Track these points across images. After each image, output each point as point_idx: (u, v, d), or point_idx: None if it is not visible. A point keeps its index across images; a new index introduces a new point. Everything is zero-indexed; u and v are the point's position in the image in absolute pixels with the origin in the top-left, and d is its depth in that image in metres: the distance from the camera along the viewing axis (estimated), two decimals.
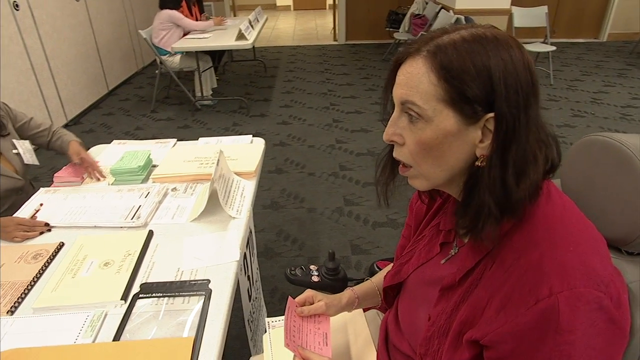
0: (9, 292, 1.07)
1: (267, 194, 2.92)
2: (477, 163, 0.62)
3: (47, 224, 1.30)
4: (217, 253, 1.16)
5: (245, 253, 1.29)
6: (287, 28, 8.66)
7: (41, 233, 1.28)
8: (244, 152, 1.67)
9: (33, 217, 1.33)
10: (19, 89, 3.52)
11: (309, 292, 0.97)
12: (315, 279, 1.38)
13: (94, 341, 0.92)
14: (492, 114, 0.58)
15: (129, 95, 4.99)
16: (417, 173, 0.67)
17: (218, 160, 1.33)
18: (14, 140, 1.55)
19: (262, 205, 2.79)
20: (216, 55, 4.98)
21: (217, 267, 1.11)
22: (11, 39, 3.48)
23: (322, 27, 8.53)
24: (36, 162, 1.60)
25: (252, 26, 4.45)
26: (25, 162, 1.56)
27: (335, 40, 7.29)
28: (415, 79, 0.61)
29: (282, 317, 1.08)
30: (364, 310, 1.13)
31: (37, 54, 3.76)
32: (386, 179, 0.75)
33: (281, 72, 5.65)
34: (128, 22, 5.52)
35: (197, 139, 1.85)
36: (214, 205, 1.31)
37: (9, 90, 3.38)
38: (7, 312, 1.01)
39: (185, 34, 4.39)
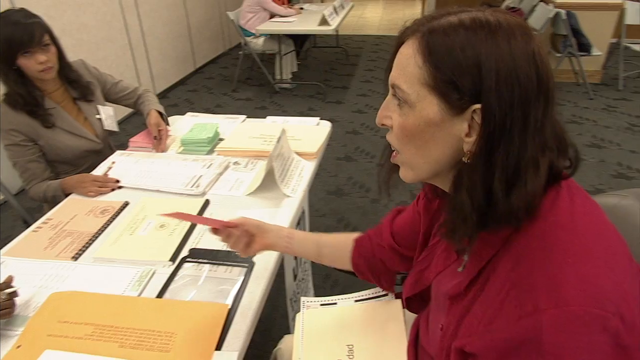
0: (76, 240, 1.16)
1: (333, 180, 2.91)
2: (463, 158, 0.56)
3: (117, 181, 1.40)
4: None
5: None
6: (373, 17, 8.54)
7: (112, 190, 1.38)
8: (309, 133, 1.67)
9: (105, 174, 1.43)
10: (116, 62, 3.81)
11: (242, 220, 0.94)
12: None
13: (139, 295, 0.97)
14: (478, 106, 0.52)
15: (214, 74, 5.22)
16: (402, 161, 0.63)
17: (279, 137, 1.34)
18: (98, 106, 1.67)
19: (327, 191, 2.79)
20: (299, 40, 5.05)
21: None
22: (114, 15, 3.78)
23: (411, 17, 8.27)
24: (115, 129, 1.71)
25: (336, 12, 4.44)
26: (105, 127, 1.68)
27: None
28: (404, 61, 0.57)
29: (318, 298, 1.07)
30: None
31: (135, 30, 4.05)
32: (388, 167, 0.69)
33: (362, 61, 5.60)
34: (219, 4, 5.76)
35: (257, 119, 1.88)
36: (271, 182, 1.32)
37: (108, 61, 3.68)
38: (72, 258, 1.10)
39: (270, 18, 4.50)
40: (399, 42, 0.59)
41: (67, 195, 1.42)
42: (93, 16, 3.51)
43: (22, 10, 1.42)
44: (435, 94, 0.54)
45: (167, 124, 1.74)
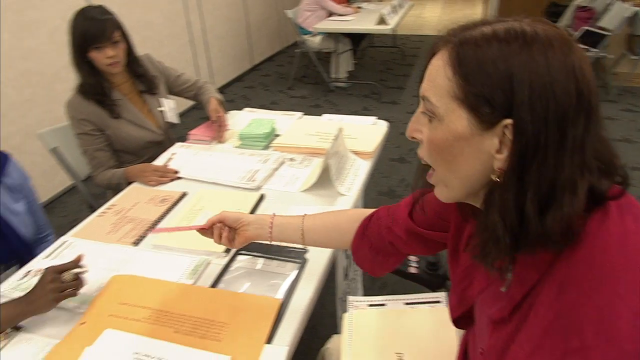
0: (137, 226, 1.21)
1: (386, 181, 2.87)
2: (492, 176, 0.52)
3: (176, 172, 1.45)
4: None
5: None
6: (431, 17, 8.37)
7: (172, 180, 1.43)
8: (365, 132, 1.65)
9: (165, 165, 1.49)
10: (178, 58, 3.96)
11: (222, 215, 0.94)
12: (412, 270, 1.31)
13: (194, 283, 1.00)
14: (510, 121, 0.49)
15: (270, 71, 5.31)
16: (437, 179, 0.60)
17: (336, 135, 1.33)
18: (161, 99, 1.74)
19: (379, 192, 2.76)
20: (356, 39, 5.02)
21: None
22: (177, 14, 3.93)
23: (471, 17, 8.05)
24: (175, 121, 1.78)
25: (395, 11, 4.38)
26: (167, 119, 1.74)
27: None
28: (434, 73, 0.55)
29: (366, 298, 1.05)
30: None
31: (197, 28, 4.19)
32: (422, 186, 0.66)
33: (420, 61, 5.49)
34: (277, 3, 5.85)
35: (314, 116, 1.88)
36: (326, 180, 1.32)
37: (170, 57, 3.83)
38: (132, 243, 1.15)
39: (328, 16, 4.51)
40: (431, 52, 0.58)
41: (129, 183, 1.48)
42: (158, 14, 3.67)
43: (99, 7, 1.52)
44: (465, 108, 0.52)
45: (226, 113, 1.78)
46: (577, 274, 0.49)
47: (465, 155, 0.54)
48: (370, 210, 0.93)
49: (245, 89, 4.70)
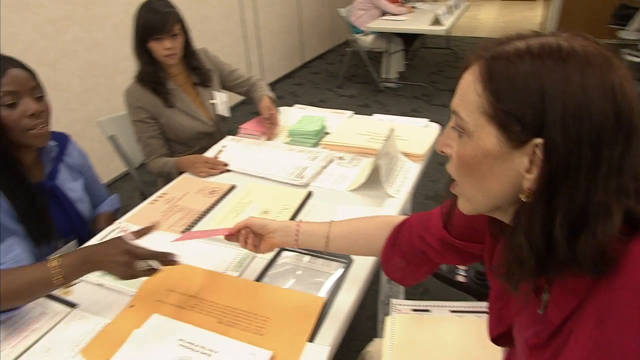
0: (186, 216, 1.24)
1: (433, 186, 2.81)
2: (521, 196, 0.50)
3: (226, 164, 1.48)
4: None
5: None
6: (488, 19, 8.11)
7: (221, 172, 1.46)
8: (416, 134, 1.61)
9: (216, 157, 1.52)
10: (231, 53, 4.05)
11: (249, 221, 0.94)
12: (460, 278, 1.27)
13: (239, 276, 1.01)
14: (541, 140, 0.47)
15: (320, 69, 5.32)
16: (460, 192, 0.59)
17: (388, 136, 1.31)
18: (214, 92, 1.78)
19: (425, 196, 2.71)
20: (408, 39, 4.95)
21: None
22: (232, 9, 4.01)
23: (529, 20, 7.74)
24: (227, 114, 1.81)
25: (450, 12, 4.28)
26: (218, 112, 1.78)
27: None
28: (465, 88, 0.54)
29: (410, 302, 1.03)
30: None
31: (250, 24, 4.26)
32: (450, 197, 0.64)
33: None
34: (330, 1, 5.86)
35: (364, 115, 1.86)
36: (375, 180, 1.30)
37: (223, 52, 3.91)
38: (181, 232, 1.17)
39: (381, 15, 4.46)
40: (464, 67, 0.56)
41: (180, 173, 1.53)
42: (214, 9, 3.76)
43: (163, 0, 1.58)
44: (494, 125, 0.51)
45: (277, 111, 1.80)
46: (618, 302, 0.46)
47: (494, 172, 0.53)
48: (398, 218, 0.92)
49: (295, 86, 4.74)
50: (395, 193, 1.28)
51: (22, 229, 1.10)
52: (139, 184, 1.84)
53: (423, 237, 0.84)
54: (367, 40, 4.40)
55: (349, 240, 0.93)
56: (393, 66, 4.52)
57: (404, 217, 0.90)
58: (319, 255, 1.05)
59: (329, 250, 0.93)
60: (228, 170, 1.48)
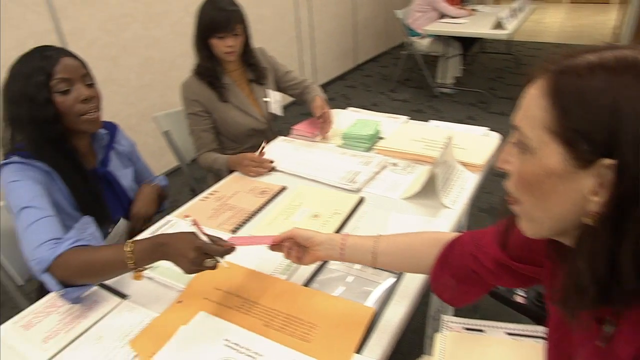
0: (236, 215, 1.26)
1: (487, 197, 2.72)
2: (585, 220, 0.47)
3: (272, 161, 1.51)
4: None
5: None
6: (554, 23, 7.79)
7: (269, 170, 1.48)
8: (475, 143, 1.57)
9: (261, 153, 1.54)
10: (284, 52, 4.11)
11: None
12: (519, 299, 1.21)
13: (287, 279, 1.01)
14: (612, 161, 0.45)
15: (373, 72, 5.30)
16: (521, 212, 0.57)
17: (446, 144, 1.28)
18: (268, 90, 1.81)
19: (479, 207, 2.63)
20: (466, 43, 4.84)
21: None
22: (287, 9, 4.07)
23: (602, 25, 7.36)
24: (279, 113, 1.84)
25: (514, 15, 4.14)
26: (271, 110, 1.81)
27: (616, 41, 6.22)
28: (529, 102, 0.53)
29: (462, 319, 0.99)
30: None
31: (305, 24, 4.31)
32: (508, 216, 0.62)
33: None
34: (386, 2, 5.82)
35: (420, 121, 1.83)
36: (430, 189, 1.27)
37: (276, 52, 3.93)
38: (231, 231, 1.19)
39: (439, 18, 4.39)
40: (527, 80, 0.55)
41: (230, 171, 1.56)
42: (270, 9, 3.83)
43: None
44: (560, 142, 0.49)
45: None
46: None
47: (558, 193, 0.50)
48: (448, 234, 0.89)
49: (347, 88, 4.75)
50: (451, 204, 1.25)
51: (79, 214, 1.16)
52: (189, 180, 1.90)
53: (476, 257, 0.81)
54: (423, 44, 4.34)
55: (396, 257, 0.91)
56: (449, 71, 4.43)
57: (454, 234, 0.88)
58: None
59: (376, 266, 0.92)
60: (279, 171, 1.49)
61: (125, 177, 1.34)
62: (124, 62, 2.80)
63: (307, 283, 1.00)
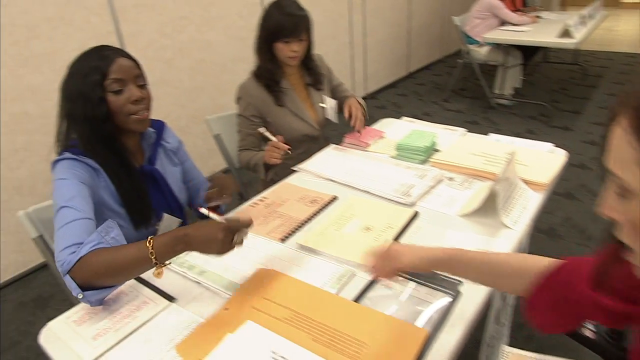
0: (286, 223, 1.27)
1: (547, 218, 2.61)
2: None
3: (289, 147, 1.53)
4: None
5: None
6: (628, 31, 7.40)
7: (286, 153, 1.52)
8: (539, 160, 1.51)
9: (278, 139, 1.56)
10: (335, 58, 4.13)
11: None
12: (587, 332, 1.14)
13: (337, 293, 1.00)
14: None
15: (425, 80, 5.23)
16: (636, 258, 0.54)
17: (509, 160, 1.24)
18: (324, 96, 1.83)
19: (537, 228, 2.52)
20: (528, 53, 4.69)
21: None
22: (340, 14, 4.09)
23: None
24: (334, 119, 1.84)
25: (583, 23, 3.97)
26: (327, 116, 1.82)
27: None
28: (614, 142, 0.50)
29: (528, 354, 0.95)
30: None
31: (358, 29, 4.32)
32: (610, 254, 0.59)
33: (605, 83, 4.90)
34: (443, 8, 5.75)
35: (479, 134, 1.78)
36: (488, 206, 1.23)
37: (328, 57, 3.97)
38: (280, 239, 1.20)
39: (500, 25, 4.28)
40: (609, 119, 0.51)
41: (265, 165, 1.59)
42: (323, 13, 3.86)
43: (295, 2, 1.66)
44: None
45: (365, 117, 1.81)
46: None
47: None
48: (541, 259, 0.84)
49: (398, 97, 4.71)
50: (512, 224, 1.20)
51: (124, 211, 1.20)
52: (237, 184, 1.93)
53: (573, 286, 0.77)
54: (481, 52, 4.24)
55: (491, 270, 0.88)
56: (508, 81, 4.30)
57: (557, 261, 0.84)
58: (424, 283, 1.01)
59: (468, 278, 0.90)
60: (330, 180, 1.49)
61: (172, 175, 1.38)
62: (178, 64, 2.90)
63: (358, 299, 0.99)
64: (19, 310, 2.22)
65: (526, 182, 1.37)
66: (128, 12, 2.57)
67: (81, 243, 1.00)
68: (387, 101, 4.55)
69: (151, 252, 0.94)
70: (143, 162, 1.30)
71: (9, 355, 1.98)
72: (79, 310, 1.03)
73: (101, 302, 1.02)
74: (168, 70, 2.85)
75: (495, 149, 1.56)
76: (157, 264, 0.95)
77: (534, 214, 1.27)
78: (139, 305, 1.03)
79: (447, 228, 1.21)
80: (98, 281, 0.97)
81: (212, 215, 0.97)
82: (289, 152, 1.54)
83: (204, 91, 3.10)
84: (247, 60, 2.88)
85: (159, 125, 1.38)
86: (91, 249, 0.98)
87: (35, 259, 2.46)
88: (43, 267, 2.49)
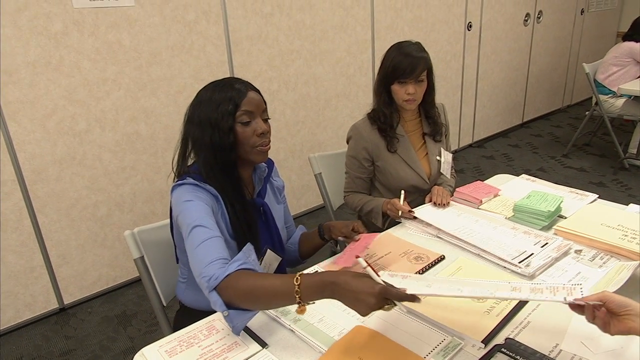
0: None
1: None
2: None
3: (411, 211, 1.57)
4: (610, 355, 0.99)
5: None
6: None
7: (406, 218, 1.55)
8: None
9: (404, 202, 1.59)
10: (445, 100, 4.08)
11: None
12: None
13: None
14: None
15: (543, 132, 5.01)
16: None
17: None
18: (442, 149, 1.82)
19: None
20: None
21: None
22: (454, 55, 4.09)
23: None
24: (448, 175, 1.83)
25: None
26: (442, 170, 1.81)
27: None
28: None
29: None
30: None
31: (471, 72, 4.28)
32: None
33: None
34: (570, 54, 5.52)
35: (615, 203, 1.66)
36: (631, 290, 1.12)
37: (437, 99, 4.00)
38: None
39: None
40: None
41: (384, 217, 1.61)
42: (437, 53, 3.89)
43: (417, 44, 1.72)
44: None
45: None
46: None
47: None
48: None
49: (509, 147, 4.54)
50: None
51: (235, 243, 1.28)
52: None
53: None
54: (616, 104, 3.99)
55: None
56: None
57: None
58: None
59: None
60: (437, 237, 1.46)
61: (277, 212, 1.45)
62: (283, 96, 3.06)
63: None
64: (103, 325, 2.39)
65: None
66: (242, 44, 2.78)
67: (226, 258, 1.08)
68: (496, 151, 4.41)
69: (297, 291, 0.97)
70: (253, 195, 1.38)
71: None
72: (171, 341, 1.09)
73: (239, 330, 1.06)
74: (272, 102, 3.01)
75: (634, 222, 1.44)
76: (300, 302, 0.98)
77: None
78: (231, 345, 1.07)
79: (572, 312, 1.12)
80: (238, 302, 1.02)
81: (371, 272, 0.95)
82: (413, 218, 1.58)
83: (305, 126, 3.23)
84: (351, 97, 2.98)
85: (270, 162, 1.47)
86: (239, 267, 1.04)
87: (125, 275, 2.66)
88: (130, 284, 2.69)
